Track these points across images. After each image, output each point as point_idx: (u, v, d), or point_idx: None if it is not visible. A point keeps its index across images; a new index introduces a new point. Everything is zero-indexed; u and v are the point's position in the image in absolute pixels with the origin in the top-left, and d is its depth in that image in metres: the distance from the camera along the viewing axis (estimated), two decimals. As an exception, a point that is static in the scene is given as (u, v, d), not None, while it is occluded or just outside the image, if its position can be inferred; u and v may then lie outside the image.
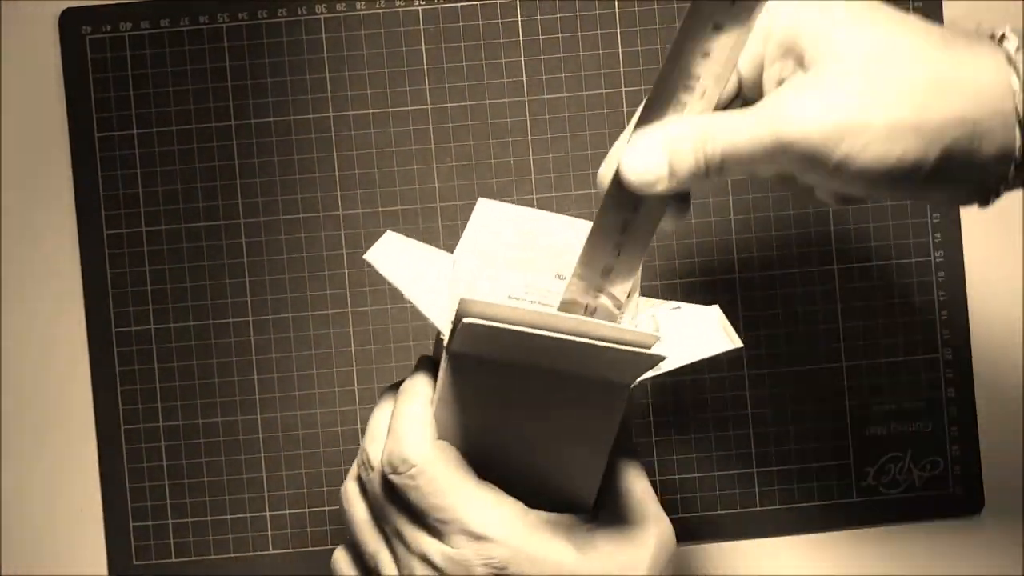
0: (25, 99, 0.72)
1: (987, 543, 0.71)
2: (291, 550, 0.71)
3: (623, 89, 0.71)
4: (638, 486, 0.54)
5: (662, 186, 0.48)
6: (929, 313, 0.72)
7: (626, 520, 0.53)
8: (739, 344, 0.52)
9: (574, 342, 0.47)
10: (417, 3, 0.71)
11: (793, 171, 0.49)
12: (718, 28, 0.47)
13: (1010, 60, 0.48)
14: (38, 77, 0.72)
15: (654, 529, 0.53)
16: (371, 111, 0.72)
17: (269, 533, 0.71)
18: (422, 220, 0.71)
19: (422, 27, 0.72)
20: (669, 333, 0.52)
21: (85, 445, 0.71)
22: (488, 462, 0.53)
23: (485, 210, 0.53)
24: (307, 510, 0.71)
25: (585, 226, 0.52)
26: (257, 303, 0.71)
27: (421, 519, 0.52)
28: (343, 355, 0.71)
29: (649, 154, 0.48)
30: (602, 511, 0.54)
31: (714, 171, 0.48)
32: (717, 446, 0.71)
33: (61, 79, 0.72)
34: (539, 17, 0.71)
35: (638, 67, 0.71)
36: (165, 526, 0.71)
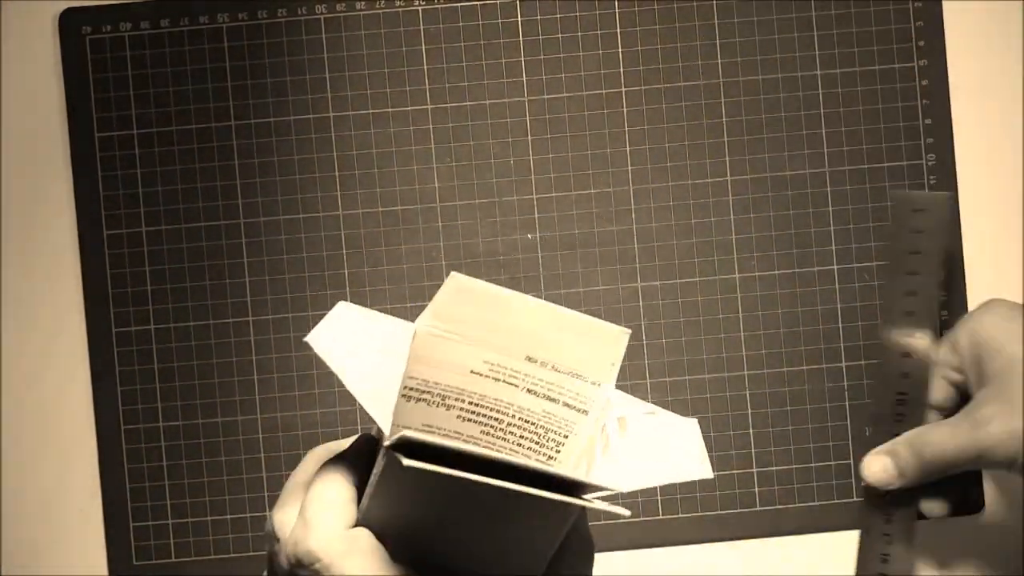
0: (25, 99, 0.72)
1: (986, 543, 0.71)
2: (291, 550, 0.71)
3: (623, 89, 0.71)
4: None
5: (895, 484, 0.64)
6: (929, 313, 0.71)
7: None
8: (709, 475, 0.49)
9: (505, 490, 0.44)
10: (417, 3, 0.71)
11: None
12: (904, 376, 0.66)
13: None
14: (38, 77, 0.72)
15: None
16: (371, 111, 0.72)
17: (269, 533, 0.71)
18: (422, 220, 0.71)
19: (422, 27, 0.72)
20: (638, 441, 0.49)
21: (85, 445, 0.71)
22: (417, 554, 0.48)
23: (455, 285, 0.49)
24: (307, 510, 0.71)
25: (565, 313, 0.49)
26: (257, 303, 0.71)
27: None
28: (343, 355, 0.71)
29: (879, 462, 0.64)
30: None
31: (931, 473, 0.63)
32: (717, 446, 0.71)
33: (61, 79, 0.72)
34: (539, 17, 0.71)
35: (638, 67, 0.71)
36: (165, 526, 0.71)
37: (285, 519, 0.48)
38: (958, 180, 0.72)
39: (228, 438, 0.71)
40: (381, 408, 0.47)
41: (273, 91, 0.72)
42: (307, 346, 0.70)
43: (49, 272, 0.72)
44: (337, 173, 0.72)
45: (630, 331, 0.49)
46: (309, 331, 0.65)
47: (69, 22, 0.71)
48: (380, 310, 0.71)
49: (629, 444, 0.49)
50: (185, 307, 0.71)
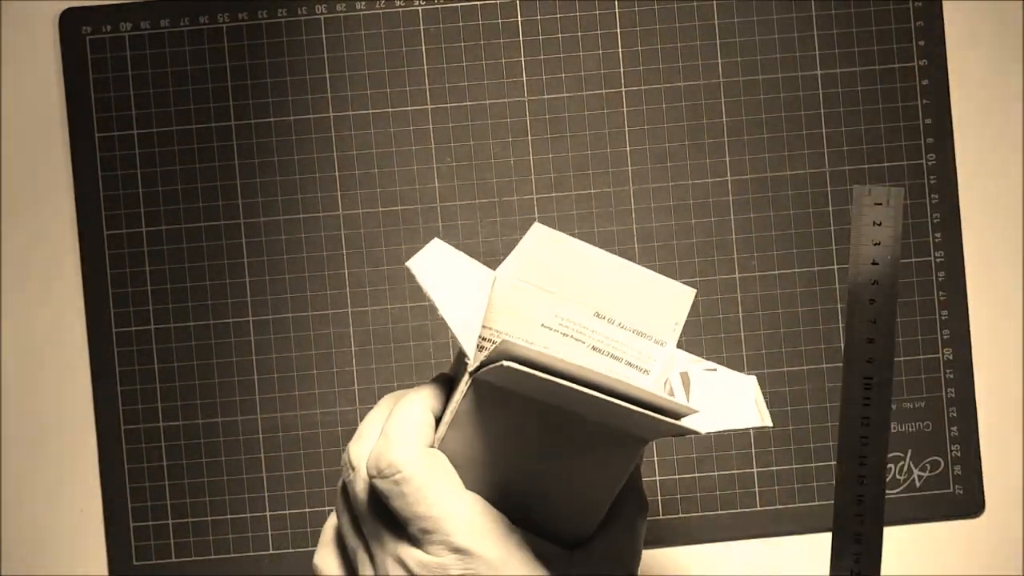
0: (25, 99, 0.72)
1: (987, 543, 0.71)
2: (291, 550, 0.71)
3: (623, 89, 0.71)
4: (627, 539, 0.53)
5: None
6: (929, 313, 0.72)
7: (607, 567, 0.53)
8: (769, 424, 0.53)
9: (607, 402, 0.47)
10: (417, 3, 0.72)
11: None
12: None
13: None
14: (38, 77, 0.72)
15: None
16: (371, 111, 0.72)
17: (269, 533, 0.71)
18: (422, 220, 0.71)
19: (422, 27, 0.72)
20: (699, 394, 0.52)
21: (85, 445, 0.72)
22: (485, 483, 0.52)
23: (537, 235, 0.52)
24: (307, 510, 0.71)
25: (636, 269, 0.52)
26: (257, 303, 0.71)
27: (402, 526, 0.51)
28: (343, 355, 0.71)
29: None
30: (585, 550, 0.53)
31: None
32: (717, 446, 0.71)
33: (61, 79, 0.72)
34: (539, 17, 0.71)
35: (638, 67, 0.71)
36: (165, 526, 0.71)
37: (361, 451, 0.51)
38: (958, 180, 0.72)
39: (228, 438, 0.71)
40: (469, 334, 0.51)
41: (273, 91, 0.72)
42: (307, 346, 0.71)
43: (49, 272, 0.72)
44: (337, 173, 0.72)
45: (695, 291, 0.51)
46: (311, 330, 0.69)
47: (69, 22, 0.71)
48: (378, 311, 0.71)
49: (692, 397, 0.51)
50: (185, 307, 0.71)
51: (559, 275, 0.52)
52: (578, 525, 0.52)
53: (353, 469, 0.52)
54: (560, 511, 0.52)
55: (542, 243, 0.51)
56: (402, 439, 0.51)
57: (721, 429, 0.52)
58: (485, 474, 0.52)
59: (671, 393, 0.52)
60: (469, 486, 0.52)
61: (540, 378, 0.47)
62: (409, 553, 0.50)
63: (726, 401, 0.52)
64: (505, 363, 0.47)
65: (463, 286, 0.52)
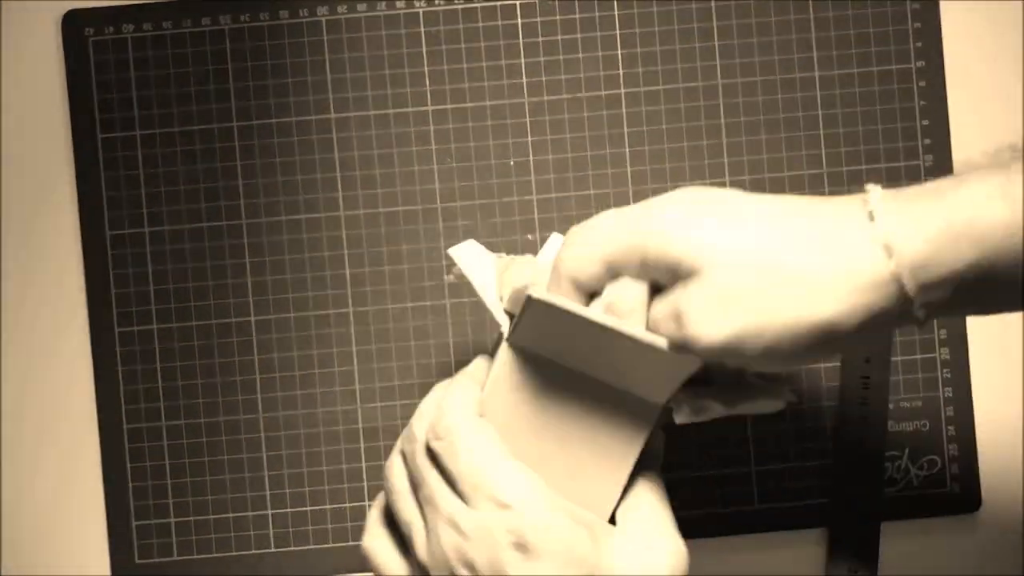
0: (28, 101, 0.72)
1: (984, 542, 0.71)
2: (293, 548, 0.71)
3: (622, 91, 0.72)
4: (659, 509, 0.56)
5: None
6: (926, 313, 0.72)
7: (644, 535, 0.55)
8: (793, 398, 0.59)
9: (624, 334, 0.53)
10: (418, 5, 0.72)
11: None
12: None
13: (887, 249, 0.49)
14: (41, 79, 0.72)
15: (672, 548, 0.55)
16: (372, 112, 0.72)
17: (271, 531, 0.71)
18: (423, 221, 0.72)
19: (423, 29, 0.72)
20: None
21: (88, 444, 0.72)
22: (523, 452, 0.57)
23: (557, 242, 0.58)
24: (309, 508, 0.71)
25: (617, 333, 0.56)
26: (259, 303, 0.72)
27: (453, 484, 0.55)
28: (344, 355, 0.71)
29: None
30: (620, 524, 0.56)
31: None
32: (717, 445, 0.71)
33: (64, 81, 0.72)
34: (539, 19, 0.72)
35: (637, 69, 0.72)
36: (167, 524, 0.71)
37: (422, 425, 0.57)
38: (955, 181, 0.72)
39: (230, 437, 0.71)
40: (500, 310, 0.58)
41: (275, 92, 0.72)
42: (309, 345, 0.71)
43: (52, 272, 0.72)
44: (339, 174, 0.72)
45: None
46: (313, 330, 0.69)
47: (72, 23, 0.72)
48: (379, 311, 0.71)
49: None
50: (188, 307, 0.72)
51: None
52: (601, 497, 0.57)
53: (415, 440, 0.56)
54: (584, 482, 0.57)
55: (539, 314, 0.55)
56: (456, 408, 0.56)
57: (725, 407, 0.58)
58: (519, 440, 0.57)
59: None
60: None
61: (564, 311, 0.53)
62: (461, 511, 0.54)
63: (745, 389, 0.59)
64: (534, 295, 0.53)
65: (492, 273, 0.60)
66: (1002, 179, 0.48)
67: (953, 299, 0.49)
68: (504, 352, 0.57)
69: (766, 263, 0.50)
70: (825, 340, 0.50)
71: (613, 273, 0.53)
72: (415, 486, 0.56)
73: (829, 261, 0.49)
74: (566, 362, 0.56)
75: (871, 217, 0.49)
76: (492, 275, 0.60)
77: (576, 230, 0.54)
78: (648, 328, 0.53)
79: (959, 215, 0.48)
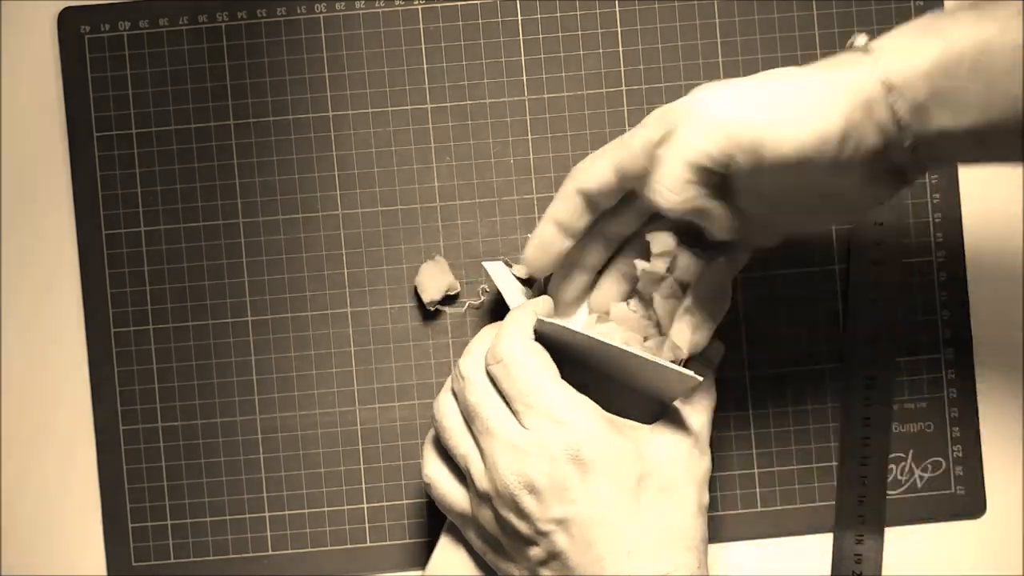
0: (23, 98, 0.72)
1: (989, 544, 0.71)
2: (290, 551, 0.71)
3: (623, 88, 0.71)
4: (697, 420, 0.62)
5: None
6: (931, 313, 0.71)
7: (675, 432, 0.62)
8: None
9: (620, 351, 0.59)
10: (416, 2, 0.71)
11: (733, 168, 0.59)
12: None
13: (867, 48, 0.57)
14: (37, 76, 0.72)
15: (705, 455, 0.62)
16: (370, 110, 0.71)
17: (268, 534, 0.71)
18: (421, 219, 0.71)
19: (421, 26, 0.71)
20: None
21: (84, 446, 0.71)
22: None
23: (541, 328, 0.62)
24: (306, 511, 0.71)
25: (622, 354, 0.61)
26: (256, 303, 0.71)
27: (510, 404, 0.59)
28: (342, 355, 0.71)
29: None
30: (656, 426, 0.62)
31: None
32: (719, 447, 0.71)
33: (59, 78, 0.72)
34: (539, 16, 0.71)
35: (638, 66, 0.71)
36: (164, 527, 0.71)
37: (470, 362, 0.61)
38: (959, 179, 0.71)
39: (227, 439, 0.71)
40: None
41: (272, 90, 0.71)
42: (306, 346, 0.71)
43: (47, 272, 0.71)
44: (336, 172, 0.71)
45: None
46: (310, 330, 0.68)
47: (68, 21, 0.71)
48: (378, 311, 0.71)
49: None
50: (184, 307, 0.71)
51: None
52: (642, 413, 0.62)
53: (463, 379, 0.61)
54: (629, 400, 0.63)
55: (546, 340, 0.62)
56: (513, 335, 0.60)
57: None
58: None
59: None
60: None
61: (569, 330, 0.59)
62: (519, 431, 0.59)
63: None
64: (543, 319, 0.60)
65: (517, 289, 0.66)
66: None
67: (933, 108, 0.55)
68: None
69: (764, 91, 0.58)
70: (819, 154, 0.56)
71: (622, 179, 0.60)
72: (469, 420, 0.60)
73: (823, 77, 0.56)
74: (586, 363, 0.62)
75: (866, 48, 0.57)
76: (519, 289, 0.66)
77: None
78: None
79: (927, 19, 0.56)
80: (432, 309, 0.70)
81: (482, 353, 0.61)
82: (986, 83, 0.54)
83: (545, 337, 0.61)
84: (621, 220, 0.64)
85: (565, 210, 0.62)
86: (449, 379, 0.63)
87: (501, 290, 0.65)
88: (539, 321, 0.60)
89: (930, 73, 0.55)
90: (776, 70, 0.59)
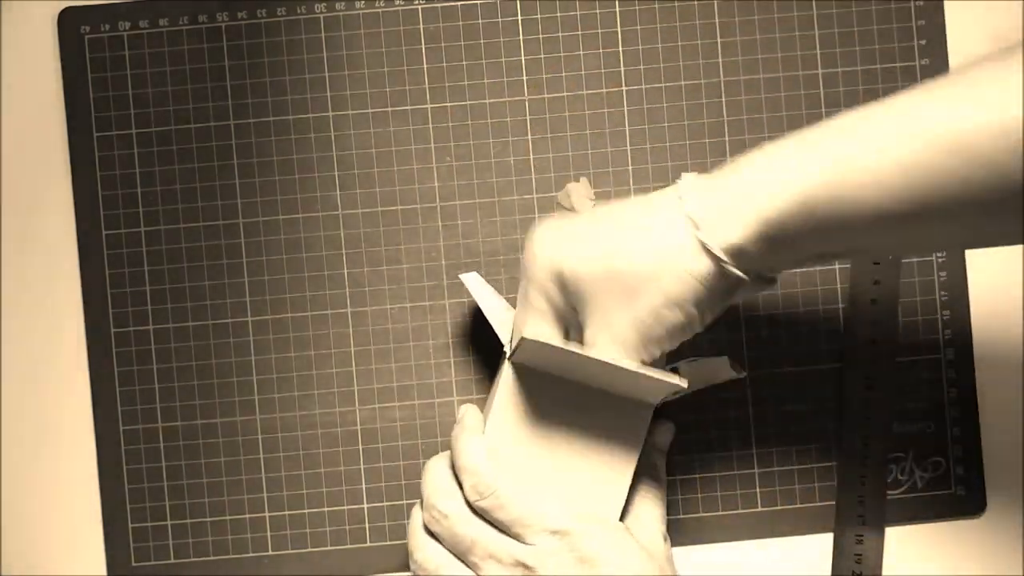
0: (24, 99, 0.72)
1: (989, 544, 0.71)
2: (290, 551, 0.71)
3: (623, 88, 0.71)
4: (651, 517, 0.64)
5: None
6: (931, 313, 0.71)
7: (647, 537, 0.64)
8: (743, 374, 0.64)
9: (606, 364, 0.59)
10: (416, 2, 0.71)
11: None
12: None
13: (688, 218, 0.57)
14: (37, 76, 0.72)
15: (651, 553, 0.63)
16: (370, 110, 0.71)
17: (268, 534, 0.71)
18: (422, 220, 0.71)
19: (422, 26, 0.71)
20: (688, 375, 0.63)
21: (84, 446, 0.71)
22: (534, 461, 0.63)
23: (528, 347, 0.62)
24: (306, 511, 0.71)
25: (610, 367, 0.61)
26: (256, 303, 0.71)
27: (508, 529, 0.61)
28: (342, 356, 0.71)
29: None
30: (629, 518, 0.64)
31: None
32: (718, 446, 0.71)
33: (60, 79, 0.72)
34: (539, 16, 0.71)
35: (638, 66, 0.71)
36: (164, 527, 0.71)
37: (448, 502, 0.62)
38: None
39: (227, 439, 0.71)
40: (504, 331, 0.65)
41: (272, 90, 0.71)
42: (307, 346, 0.71)
43: (47, 272, 0.71)
44: (336, 173, 0.71)
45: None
46: (310, 330, 0.69)
47: (68, 21, 0.71)
48: (378, 311, 0.71)
49: (683, 375, 0.63)
50: (184, 307, 0.71)
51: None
52: (606, 500, 0.63)
53: (447, 516, 0.62)
54: (590, 486, 0.63)
55: (534, 352, 0.62)
56: (482, 464, 0.62)
57: (700, 386, 0.63)
58: (530, 449, 0.63)
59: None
60: (517, 464, 0.63)
61: (555, 348, 0.59)
62: (526, 553, 0.60)
63: (708, 371, 0.64)
64: (528, 337, 0.59)
65: (495, 300, 0.66)
66: (770, 156, 0.56)
67: (768, 253, 0.56)
68: (507, 370, 0.63)
69: (616, 273, 0.58)
70: (686, 313, 0.58)
71: (563, 290, 0.60)
72: (463, 553, 0.62)
73: (656, 250, 0.57)
74: (564, 375, 0.62)
75: (680, 198, 0.57)
76: (496, 299, 0.66)
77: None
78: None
79: (739, 183, 0.56)
80: None
81: (447, 488, 0.62)
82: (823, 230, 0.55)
83: (529, 355, 0.61)
84: None
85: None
86: (414, 527, 0.64)
87: (479, 302, 0.66)
88: (522, 340, 0.60)
89: (760, 237, 0.56)
90: (608, 216, 0.60)
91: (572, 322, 0.61)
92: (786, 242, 0.56)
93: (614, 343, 0.59)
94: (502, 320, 0.65)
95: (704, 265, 0.56)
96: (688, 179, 0.58)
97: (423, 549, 0.63)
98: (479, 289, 0.67)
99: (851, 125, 0.54)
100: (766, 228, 0.55)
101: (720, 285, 0.57)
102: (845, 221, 0.54)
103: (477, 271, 0.71)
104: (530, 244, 0.61)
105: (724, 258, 0.56)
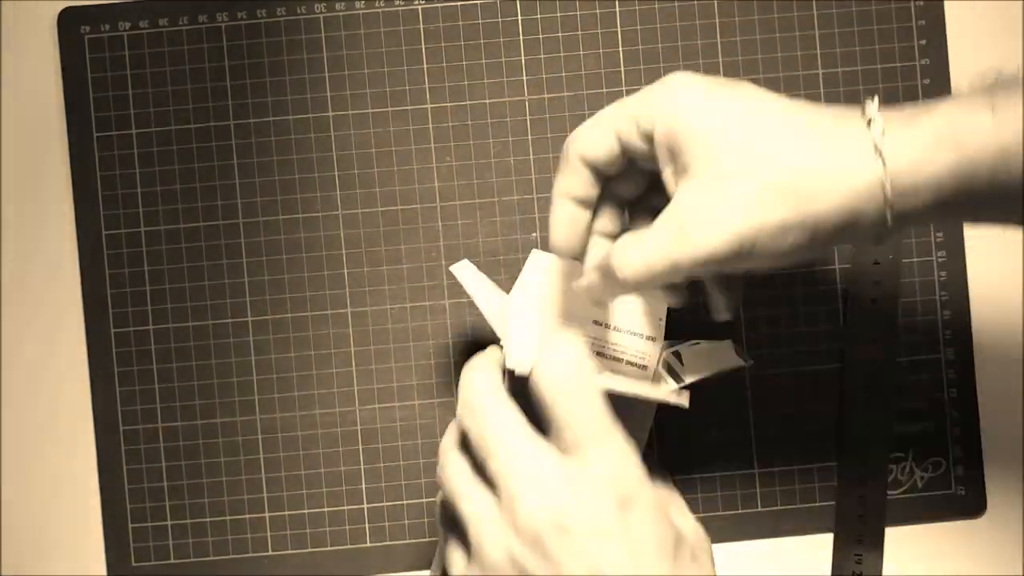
0: (24, 99, 0.72)
1: (989, 544, 0.71)
2: (290, 551, 0.71)
3: (623, 88, 0.71)
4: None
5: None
6: (931, 313, 0.71)
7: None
8: (750, 362, 0.63)
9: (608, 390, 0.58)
10: (417, 2, 0.71)
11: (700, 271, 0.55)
12: None
13: (877, 149, 0.52)
14: (37, 77, 0.72)
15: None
16: (370, 110, 0.71)
17: (268, 534, 0.71)
18: (421, 220, 0.71)
19: (422, 26, 0.71)
20: (690, 363, 0.62)
21: (84, 446, 0.71)
22: None
23: (536, 259, 0.61)
24: (306, 511, 0.71)
25: None
26: (256, 303, 0.71)
27: (548, 430, 0.53)
28: (342, 356, 0.71)
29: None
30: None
31: (658, 279, 0.55)
32: (718, 446, 0.71)
33: (60, 79, 0.72)
34: (539, 16, 0.71)
35: (639, 66, 0.71)
36: (164, 527, 0.71)
37: (479, 393, 0.54)
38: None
39: (227, 439, 0.71)
40: (500, 325, 0.62)
41: (272, 90, 0.71)
42: (307, 346, 0.71)
43: (47, 273, 0.71)
44: (336, 173, 0.71)
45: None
46: (310, 330, 0.68)
47: (68, 21, 0.71)
48: (378, 311, 0.71)
49: (686, 367, 0.62)
50: (184, 308, 0.71)
51: (558, 291, 0.61)
52: None
53: (473, 408, 0.53)
54: None
55: (540, 266, 0.61)
56: (488, 396, 0.54)
57: (706, 375, 0.62)
58: None
59: (671, 371, 0.62)
60: None
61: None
62: (554, 468, 0.51)
63: (712, 359, 0.62)
64: (517, 370, 0.58)
65: (488, 290, 0.63)
66: (986, 95, 0.51)
67: (932, 210, 0.52)
68: (504, 371, 0.60)
69: (767, 162, 0.52)
70: (811, 239, 0.52)
71: (624, 149, 0.56)
72: (483, 458, 0.52)
73: (824, 165, 0.52)
74: None
75: (868, 124, 0.52)
76: (488, 288, 0.63)
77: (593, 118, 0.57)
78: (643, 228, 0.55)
79: (944, 123, 0.51)
80: None
81: (484, 386, 0.54)
82: (1001, 192, 0.51)
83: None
84: (628, 184, 0.59)
85: (578, 183, 0.58)
86: (450, 432, 0.56)
87: (471, 293, 0.63)
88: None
89: (940, 187, 0.51)
90: (779, 107, 0.54)
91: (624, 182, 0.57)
92: (968, 197, 0.51)
93: (710, 221, 0.52)
94: (496, 312, 0.62)
95: (871, 203, 0.51)
96: (875, 105, 0.53)
97: (450, 466, 0.54)
98: (472, 279, 0.63)
99: None
100: (959, 175, 0.51)
101: (865, 225, 0.52)
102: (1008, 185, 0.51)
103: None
104: (674, 83, 0.54)
105: (893, 201, 0.51)
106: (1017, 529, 0.71)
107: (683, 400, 0.61)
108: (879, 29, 0.71)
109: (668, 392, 0.61)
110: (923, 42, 0.71)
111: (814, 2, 0.71)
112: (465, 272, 0.63)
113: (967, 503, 0.71)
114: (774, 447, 0.71)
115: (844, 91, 0.71)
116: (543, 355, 0.53)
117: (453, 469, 0.54)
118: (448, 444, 0.55)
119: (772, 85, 0.71)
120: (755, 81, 0.71)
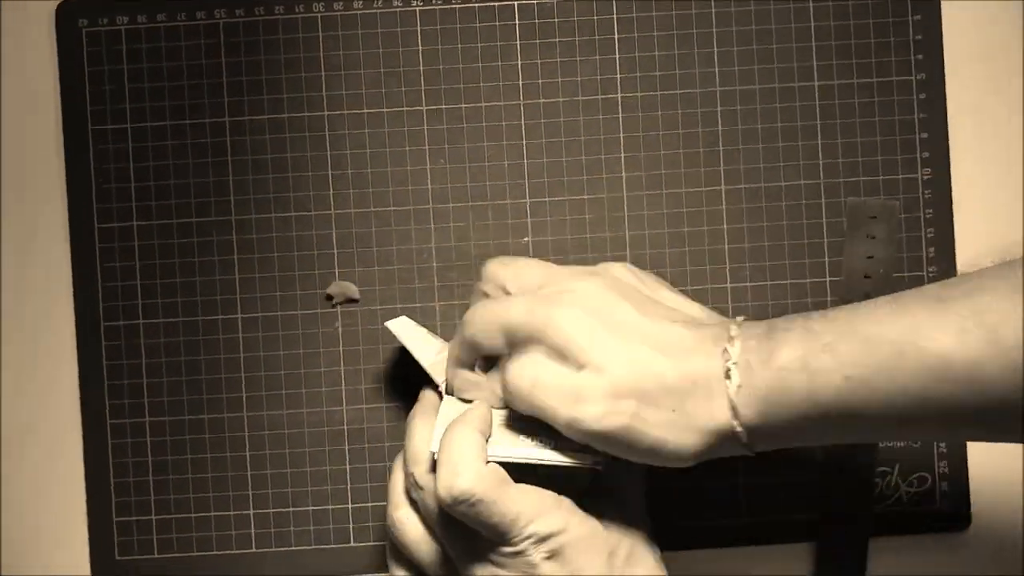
0: (20, 91, 0.72)
1: (973, 559, 0.71)
2: (273, 549, 0.71)
3: (619, 95, 0.71)
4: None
5: None
6: (920, 328, 0.71)
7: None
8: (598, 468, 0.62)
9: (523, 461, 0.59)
10: (414, 4, 0.71)
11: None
12: None
13: (732, 404, 0.56)
14: (33, 69, 0.72)
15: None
16: (366, 111, 0.71)
17: (252, 531, 0.71)
18: (414, 221, 0.71)
19: (419, 28, 0.71)
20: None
21: (71, 439, 0.71)
22: None
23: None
24: (291, 509, 0.71)
25: None
26: (246, 300, 0.71)
27: (487, 532, 0.58)
28: (330, 355, 0.71)
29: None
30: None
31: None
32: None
33: (56, 72, 0.72)
34: (536, 21, 0.71)
35: (635, 73, 0.71)
36: (148, 522, 0.71)
37: (426, 474, 0.60)
38: (953, 194, 0.71)
39: (214, 435, 0.71)
40: (438, 372, 0.64)
41: (268, 88, 0.71)
42: (295, 345, 0.71)
43: (39, 265, 0.71)
44: (330, 172, 0.71)
45: None
46: (299, 328, 0.68)
47: (65, 15, 0.71)
48: (368, 311, 0.71)
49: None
50: (174, 303, 0.71)
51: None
52: None
53: (423, 489, 0.60)
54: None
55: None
56: (465, 465, 0.57)
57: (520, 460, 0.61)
58: None
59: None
60: None
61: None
62: (498, 554, 0.58)
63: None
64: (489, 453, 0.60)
65: (424, 342, 0.66)
66: (807, 349, 0.55)
67: (793, 435, 0.57)
68: (445, 406, 0.63)
69: (645, 388, 0.57)
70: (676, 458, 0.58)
71: (510, 343, 0.59)
72: (436, 534, 0.61)
73: (690, 407, 0.56)
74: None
75: (727, 375, 0.56)
76: (427, 341, 0.66)
77: (485, 302, 0.61)
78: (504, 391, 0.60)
79: (781, 386, 0.56)
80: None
81: (427, 456, 0.60)
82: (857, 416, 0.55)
83: None
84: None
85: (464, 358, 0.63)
86: (397, 490, 0.62)
87: (409, 348, 0.65)
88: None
89: (796, 425, 0.56)
90: (654, 336, 0.58)
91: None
92: (806, 430, 0.57)
93: (610, 425, 0.57)
94: (435, 362, 0.65)
95: (725, 440, 0.58)
96: (736, 348, 0.57)
97: (400, 509, 0.62)
98: (409, 333, 0.67)
99: (864, 345, 0.54)
100: (804, 423, 0.56)
101: (722, 449, 0.58)
102: (857, 426, 0.56)
103: (468, 274, 0.71)
104: (565, 298, 0.59)
105: (751, 443, 0.58)
106: (1001, 545, 0.71)
107: (595, 464, 0.60)
108: (876, 43, 0.71)
109: (576, 456, 0.60)
110: (919, 57, 0.71)
111: (811, 15, 0.71)
112: (402, 327, 0.67)
113: (951, 518, 0.71)
114: (758, 460, 0.71)
115: (840, 104, 0.71)
116: (443, 441, 0.59)
117: (406, 527, 0.61)
118: (398, 500, 0.62)
119: (767, 97, 0.71)
120: (750, 92, 0.71)
